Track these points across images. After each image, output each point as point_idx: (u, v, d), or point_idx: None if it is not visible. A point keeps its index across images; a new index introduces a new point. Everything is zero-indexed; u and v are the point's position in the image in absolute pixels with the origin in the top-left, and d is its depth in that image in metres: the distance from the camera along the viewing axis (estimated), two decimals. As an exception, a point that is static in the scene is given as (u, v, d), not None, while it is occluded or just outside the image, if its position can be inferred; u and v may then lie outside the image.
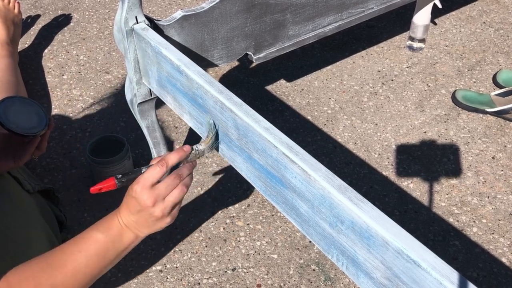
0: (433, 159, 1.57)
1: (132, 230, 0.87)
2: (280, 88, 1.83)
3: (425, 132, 1.66)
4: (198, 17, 1.22)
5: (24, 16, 2.16)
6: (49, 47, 2.01)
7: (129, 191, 0.85)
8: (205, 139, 0.99)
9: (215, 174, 1.52)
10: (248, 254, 1.32)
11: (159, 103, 1.67)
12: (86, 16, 2.19)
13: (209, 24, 1.25)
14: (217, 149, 1.04)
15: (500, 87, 1.81)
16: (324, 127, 1.67)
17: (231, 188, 1.48)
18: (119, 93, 1.79)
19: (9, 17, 1.80)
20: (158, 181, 0.85)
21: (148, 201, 0.83)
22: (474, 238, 1.36)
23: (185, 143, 1.62)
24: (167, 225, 0.88)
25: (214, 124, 1.01)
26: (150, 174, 0.84)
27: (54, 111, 1.72)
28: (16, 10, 1.85)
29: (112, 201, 1.44)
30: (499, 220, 1.40)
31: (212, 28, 1.26)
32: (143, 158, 1.56)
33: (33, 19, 2.16)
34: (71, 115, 1.71)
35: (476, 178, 1.51)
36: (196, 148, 0.95)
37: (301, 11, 1.40)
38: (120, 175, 0.86)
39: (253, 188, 1.48)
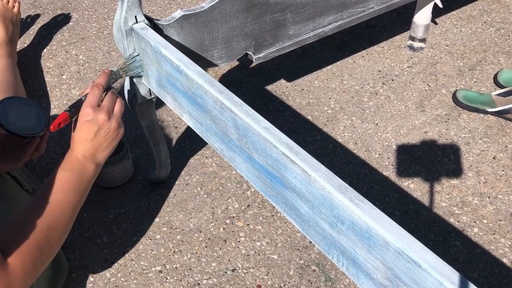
0: (434, 159, 1.57)
1: (91, 159, 0.98)
2: (280, 88, 1.83)
3: (425, 132, 1.66)
4: (198, 17, 1.22)
5: (23, 16, 2.16)
6: (48, 47, 2.01)
7: (80, 118, 0.95)
8: (119, 64, 1.12)
9: (215, 174, 1.52)
10: (248, 255, 1.32)
11: (158, 103, 1.67)
12: (86, 16, 2.19)
13: (208, 24, 1.25)
14: (136, 75, 1.18)
15: (501, 87, 1.81)
16: (324, 127, 1.67)
17: (231, 188, 1.48)
18: (118, 93, 1.79)
19: (8, 16, 1.80)
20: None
21: (103, 116, 0.95)
22: (475, 238, 1.36)
23: (185, 143, 1.62)
24: (121, 137, 1.01)
25: (137, 54, 1.15)
26: (93, 96, 0.96)
27: (53, 111, 1.72)
28: (15, 10, 1.85)
29: (112, 201, 1.44)
30: (500, 220, 1.40)
31: (212, 28, 1.26)
32: (143, 158, 1.56)
33: (32, 18, 2.16)
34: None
35: (477, 178, 1.51)
36: (113, 70, 1.08)
37: (301, 11, 1.40)
38: (68, 108, 0.98)
39: (253, 188, 1.48)
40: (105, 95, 1.01)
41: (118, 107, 1.01)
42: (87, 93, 0.99)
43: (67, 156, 0.97)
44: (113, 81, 1.08)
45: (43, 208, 0.90)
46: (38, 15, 2.19)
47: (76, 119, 0.98)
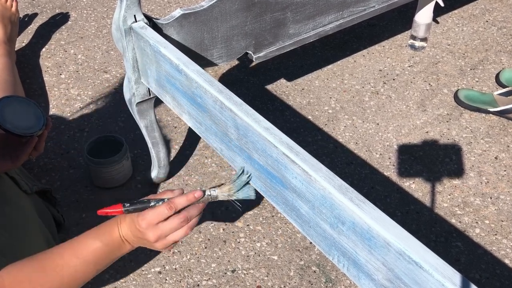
0: (435, 159, 1.57)
1: (130, 243, 0.92)
2: (280, 88, 1.83)
3: (427, 132, 1.66)
4: (198, 16, 1.22)
5: (21, 15, 2.16)
6: (46, 46, 2.01)
7: (134, 220, 0.89)
8: (224, 185, 0.96)
9: (215, 174, 1.52)
10: (248, 256, 1.32)
11: (158, 103, 1.67)
12: (84, 15, 2.19)
13: (208, 23, 1.25)
14: (248, 198, 0.98)
15: (503, 86, 1.81)
16: (325, 127, 1.67)
17: (230, 188, 1.48)
18: (117, 93, 1.79)
19: (6, 15, 1.80)
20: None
21: (152, 237, 0.88)
22: (476, 239, 1.36)
23: (185, 142, 1.62)
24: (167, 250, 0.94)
25: (243, 173, 0.98)
26: (157, 214, 0.88)
27: (52, 110, 1.72)
28: (13, 9, 1.84)
29: (111, 202, 1.44)
30: (502, 221, 1.40)
31: (212, 27, 1.26)
32: (142, 159, 1.56)
33: (31, 17, 2.16)
34: (68, 114, 1.71)
35: (479, 178, 1.51)
36: (209, 193, 0.94)
37: (302, 10, 1.40)
38: (128, 204, 0.90)
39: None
40: (181, 211, 0.90)
41: (176, 236, 0.90)
42: (157, 201, 0.90)
43: (110, 226, 0.91)
44: (205, 201, 0.94)
45: (51, 269, 0.86)
46: (36, 14, 2.18)
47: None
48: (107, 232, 0.91)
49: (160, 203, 0.89)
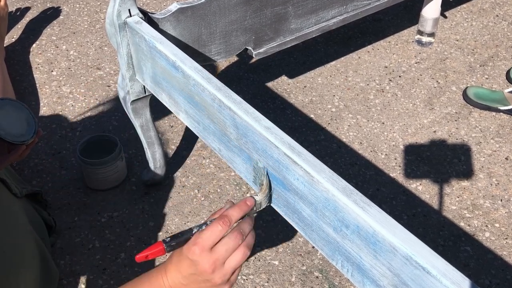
0: (443, 160, 1.57)
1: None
2: (281, 85, 1.83)
3: (434, 132, 1.66)
4: (195, 10, 1.22)
5: (11, 9, 2.16)
6: (37, 42, 2.01)
7: (184, 251, 0.75)
8: (260, 188, 0.90)
9: (213, 175, 1.52)
10: (247, 260, 1.32)
11: (153, 101, 1.67)
12: (77, 9, 2.19)
13: (206, 17, 1.25)
14: (270, 199, 0.92)
15: (514, 83, 1.82)
16: (328, 126, 1.67)
17: (229, 190, 1.48)
18: (111, 90, 1.79)
19: (-5, 10, 1.80)
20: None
21: (207, 266, 0.74)
22: (486, 243, 1.36)
23: (182, 142, 1.62)
24: None
25: (265, 169, 0.92)
26: (211, 233, 0.74)
27: (43, 109, 1.73)
28: (2, 3, 1.85)
29: (104, 204, 1.44)
30: (513, 224, 1.40)
31: (210, 22, 1.26)
32: (137, 159, 1.56)
33: (21, 12, 2.16)
34: (60, 113, 1.71)
35: (489, 180, 1.51)
36: (256, 200, 0.86)
37: (304, 4, 1.40)
38: (169, 238, 0.77)
39: (253, 190, 1.48)
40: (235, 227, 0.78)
41: (234, 261, 0.75)
42: (200, 225, 0.78)
43: (154, 273, 0.79)
44: (252, 212, 0.84)
45: None
46: (26, 8, 2.19)
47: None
48: (152, 281, 0.78)
49: (204, 227, 0.77)
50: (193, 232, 0.77)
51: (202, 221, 0.80)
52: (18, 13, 2.15)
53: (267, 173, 0.91)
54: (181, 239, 0.77)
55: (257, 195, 0.87)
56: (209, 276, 0.74)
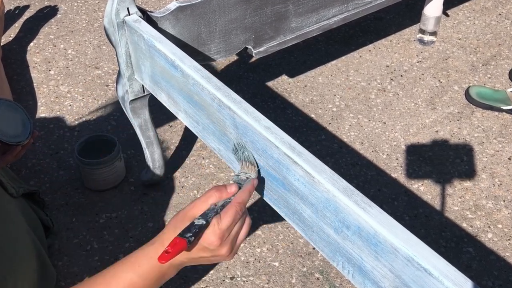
0: (445, 160, 1.57)
1: (176, 268, 0.82)
2: (282, 84, 1.83)
3: (436, 132, 1.66)
4: (194, 8, 1.22)
5: (8, 7, 2.16)
6: (35, 41, 2.01)
7: (201, 241, 0.78)
8: (247, 165, 0.93)
9: (212, 176, 1.52)
10: (247, 262, 1.32)
11: (152, 100, 1.67)
12: (75, 7, 2.19)
13: (206, 16, 1.25)
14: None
15: (517, 83, 1.82)
16: (329, 126, 1.67)
17: (229, 191, 1.48)
18: (109, 90, 1.79)
19: (-8, 8, 1.80)
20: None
21: (226, 250, 0.79)
22: (489, 244, 1.36)
23: (181, 142, 1.62)
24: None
25: (239, 147, 0.95)
26: (230, 221, 0.78)
27: (41, 108, 1.73)
28: (-1, 1, 1.85)
29: (103, 205, 1.44)
30: (516, 225, 1.40)
31: (209, 20, 1.26)
32: (136, 159, 1.56)
33: (18, 10, 2.16)
34: (58, 113, 1.71)
35: (491, 180, 1.51)
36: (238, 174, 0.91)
37: (304, 2, 1.40)
38: (189, 234, 0.76)
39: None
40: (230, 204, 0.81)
41: (245, 234, 0.82)
42: (221, 203, 0.81)
43: (150, 255, 0.79)
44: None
45: None
46: (24, 7, 2.19)
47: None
48: (145, 264, 0.79)
49: (211, 214, 0.79)
50: (207, 221, 0.78)
51: (207, 207, 0.80)
52: (15, 12, 2.15)
53: (243, 147, 0.94)
54: (197, 230, 0.77)
55: (250, 175, 0.91)
56: (224, 257, 0.80)
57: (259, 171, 0.93)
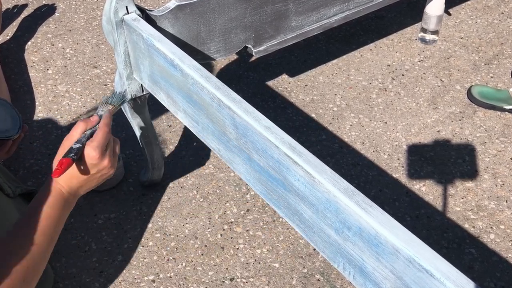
0: (447, 160, 1.57)
1: (75, 195, 0.98)
2: (282, 84, 1.83)
3: (438, 131, 1.66)
4: (194, 7, 1.22)
5: (5, 6, 2.16)
6: (32, 40, 2.01)
7: (83, 158, 0.94)
8: (104, 105, 1.07)
9: (212, 176, 1.52)
10: (247, 263, 1.32)
11: (151, 100, 1.67)
12: (73, 6, 2.19)
13: (205, 15, 1.25)
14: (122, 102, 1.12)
15: (520, 82, 1.82)
16: (330, 126, 1.67)
17: (229, 191, 1.49)
18: (108, 89, 1.79)
19: (-11, 7, 1.80)
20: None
21: (107, 162, 0.96)
22: (491, 245, 1.36)
23: (180, 142, 1.62)
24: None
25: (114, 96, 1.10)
26: (103, 139, 0.95)
27: (38, 108, 1.73)
28: (-3, 0, 1.85)
29: (101, 205, 1.44)
30: (519, 226, 1.40)
31: (209, 19, 1.26)
32: (134, 159, 1.56)
33: (16, 9, 2.16)
34: (56, 112, 1.71)
35: (494, 180, 1.51)
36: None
37: (305, 0, 1.40)
38: (72, 154, 0.91)
39: (253, 191, 1.48)
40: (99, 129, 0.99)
41: (118, 149, 1.01)
42: (89, 131, 0.97)
43: (49, 188, 0.95)
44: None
45: (22, 251, 0.89)
46: (22, 6, 2.19)
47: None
48: (48, 193, 0.94)
49: (84, 140, 0.94)
50: (85, 139, 0.94)
51: (80, 132, 0.95)
52: (13, 10, 2.15)
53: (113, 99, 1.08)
54: (80, 147, 0.93)
55: (108, 109, 1.05)
56: (109, 170, 0.97)
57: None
